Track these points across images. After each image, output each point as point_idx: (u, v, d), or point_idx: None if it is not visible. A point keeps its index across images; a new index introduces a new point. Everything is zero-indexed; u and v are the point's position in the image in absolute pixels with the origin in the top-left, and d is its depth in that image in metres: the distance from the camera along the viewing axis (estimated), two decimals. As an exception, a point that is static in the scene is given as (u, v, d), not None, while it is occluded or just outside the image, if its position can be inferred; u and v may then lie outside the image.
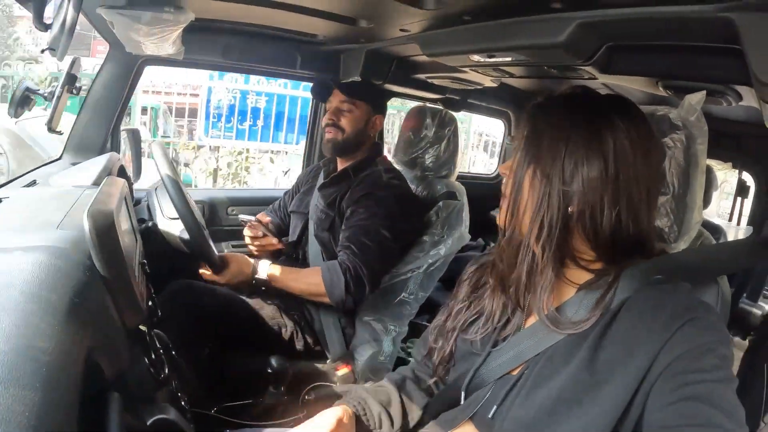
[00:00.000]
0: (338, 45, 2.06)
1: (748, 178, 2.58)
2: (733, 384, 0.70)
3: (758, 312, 2.29)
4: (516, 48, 1.29)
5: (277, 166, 6.76)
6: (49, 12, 1.07)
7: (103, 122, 1.99)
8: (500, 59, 1.43)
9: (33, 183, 1.53)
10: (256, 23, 1.85)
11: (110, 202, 0.91)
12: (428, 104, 2.34)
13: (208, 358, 1.68)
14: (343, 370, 1.84)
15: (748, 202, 2.61)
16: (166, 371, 1.06)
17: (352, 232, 1.77)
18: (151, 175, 1.81)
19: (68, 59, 1.69)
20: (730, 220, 2.73)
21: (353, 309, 1.85)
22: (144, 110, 7.01)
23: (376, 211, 1.78)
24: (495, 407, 0.87)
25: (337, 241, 1.82)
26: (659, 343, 0.72)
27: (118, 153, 2.05)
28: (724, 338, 0.74)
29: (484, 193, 2.91)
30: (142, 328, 1.03)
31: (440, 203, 2.00)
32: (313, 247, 1.93)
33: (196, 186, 6.04)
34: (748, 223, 2.64)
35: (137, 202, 1.99)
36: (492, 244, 3.30)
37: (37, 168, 1.84)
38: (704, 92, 0.96)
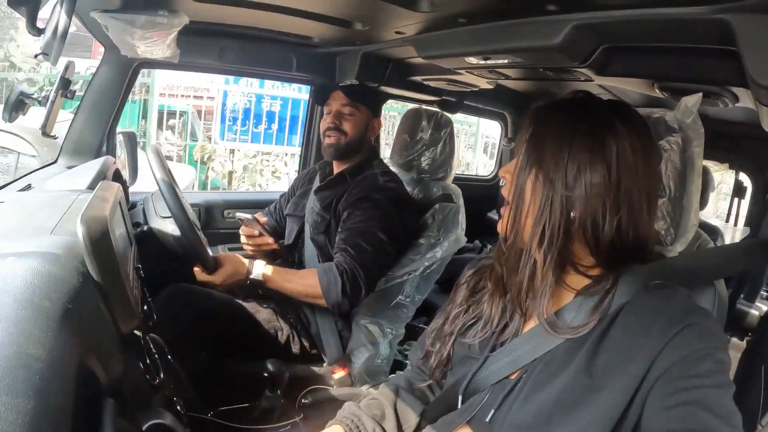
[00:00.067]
0: (334, 47, 2.05)
1: (745, 179, 2.59)
2: (731, 389, 0.70)
3: (755, 313, 2.29)
4: (512, 50, 1.29)
5: (291, 169, 6.82)
6: (43, 16, 1.07)
7: (99, 125, 1.98)
8: (496, 61, 1.43)
9: (28, 187, 1.52)
10: (251, 26, 1.84)
11: (104, 208, 0.91)
12: (424, 106, 2.34)
13: (205, 361, 1.67)
14: (339, 373, 1.84)
15: (745, 203, 2.62)
16: (162, 376, 1.06)
17: (348, 234, 1.77)
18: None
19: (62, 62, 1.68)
20: (727, 221, 2.75)
21: (348, 311, 1.84)
22: (172, 113, 7.05)
23: (373, 213, 1.77)
24: (493, 411, 0.87)
25: (333, 244, 1.82)
26: (657, 348, 0.72)
27: (114, 156, 2.04)
28: (722, 344, 0.74)
29: (480, 195, 2.91)
30: (137, 332, 1.02)
31: (436, 206, 1.99)
32: (309, 251, 1.93)
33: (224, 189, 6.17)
34: (745, 224, 2.66)
35: (133, 206, 1.98)
36: (489, 246, 3.30)
37: (33, 172, 1.83)
38: (700, 94, 0.95)
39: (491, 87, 2.00)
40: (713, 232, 3.08)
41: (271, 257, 2.03)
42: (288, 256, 2.02)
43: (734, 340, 2.18)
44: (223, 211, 2.42)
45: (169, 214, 1.56)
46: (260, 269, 1.74)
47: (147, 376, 1.01)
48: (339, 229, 1.81)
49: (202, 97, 7.73)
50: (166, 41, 1.47)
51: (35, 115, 1.72)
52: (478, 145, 9.23)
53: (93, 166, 1.69)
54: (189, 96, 7.37)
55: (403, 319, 1.98)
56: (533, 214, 0.83)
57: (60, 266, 0.76)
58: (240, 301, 1.82)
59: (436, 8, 1.27)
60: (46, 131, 1.67)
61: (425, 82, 2.19)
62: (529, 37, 1.20)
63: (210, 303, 1.74)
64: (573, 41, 1.12)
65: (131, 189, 2.00)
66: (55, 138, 1.79)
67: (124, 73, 1.98)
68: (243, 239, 2.02)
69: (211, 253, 1.70)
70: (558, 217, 0.81)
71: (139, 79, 6.26)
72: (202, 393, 1.54)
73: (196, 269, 1.71)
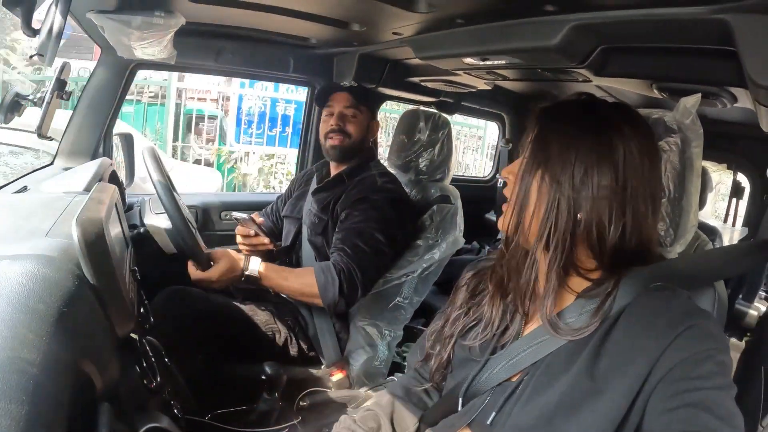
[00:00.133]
0: (331, 48, 2.05)
1: (743, 179, 2.59)
2: (732, 391, 0.70)
3: (754, 313, 2.28)
4: (509, 51, 1.29)
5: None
6: (38, 17, 1.06)
7: (96, 127, 1.98)
8: (494, 62, 1.42)
9: (24, 189, 1.51)
10: (248, 27, 1.84)
11: (100, 210, 0.90)
12: (422, 107, 2.34)
13: (202, 364, 1.66)
14: (337, 376, 1.83)
15: (744, 204, 2.62)
16: (159, 379, 1.05)
17: (345, 234, 1.76)
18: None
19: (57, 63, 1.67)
20: (725, 221, 2.74)
21: (344, 312, 1.84)
22: (201, 117, 7.15)
23: (371, 214, 1.77)
24: (494, 414, 0.86)
25: (331, 246, 1.81)
26: (658, 350, 0.72)
27: (110, 158, 2.03)
28: (723, 345, 0.73)
29: (478, 196, 2.91)
30: (133, 335, 1.01)
31: (434, 207, 1.99)
32: (307, 252, 1.92)
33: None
34: (744, 224, 2.65)
35: (129, 207, 1.97)
36: (487, 247, 3.30)
37: (29, 173, 1.82)
38: (699, 95, 0.95)
39: (489, 88, 2.00)
40: (711, 232, 3.08)
41: (266, 258, 2.02)
42: (285, 258, 2.01)
43: (733, 340, 2.18)
44: (220, 213, 2.41)
45: (163, 210, 1.55)
46: (256, 266, 1.70)
47: (143, 380, 1.00)
48: (336, 230, 1.81)
49: (216, 100, 7.85)
50: (162, 42, 1.46)
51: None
52: (485, 148, 9.02)
53: (89, 168, 1.68)
54: (205, 100, 7.44)
55: (402, 320, 1.97)
56: (539, 216, 0.83)
57: (55, 269, 0.76)
58: (237, 304, 1.80)
59: (433, 9, 1.27)
60: (41, 133, 1.66)
61: (423, 83, 2.19)
62: (527, 37, 1.20)
63: (207, 305, 1.73)
64: (571, 42, 1.12)
65: (128, 191, 2.00)
66: (51, 140, 1.79)
67: (120, 74, 1.97)
68: (239, 239, 2.01)
69: (205, 250, 1.69)
70: (565, 218, 0.80)
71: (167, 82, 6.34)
72: (199, 396, 1.53)
73: (190, 266, 1.68)
